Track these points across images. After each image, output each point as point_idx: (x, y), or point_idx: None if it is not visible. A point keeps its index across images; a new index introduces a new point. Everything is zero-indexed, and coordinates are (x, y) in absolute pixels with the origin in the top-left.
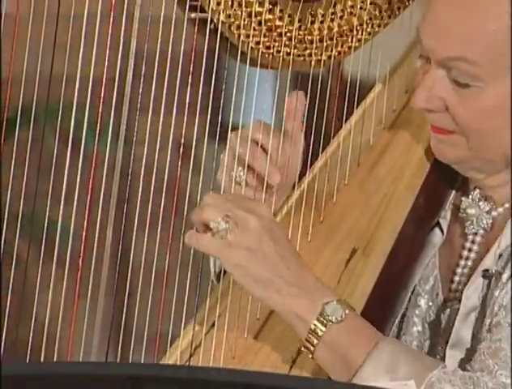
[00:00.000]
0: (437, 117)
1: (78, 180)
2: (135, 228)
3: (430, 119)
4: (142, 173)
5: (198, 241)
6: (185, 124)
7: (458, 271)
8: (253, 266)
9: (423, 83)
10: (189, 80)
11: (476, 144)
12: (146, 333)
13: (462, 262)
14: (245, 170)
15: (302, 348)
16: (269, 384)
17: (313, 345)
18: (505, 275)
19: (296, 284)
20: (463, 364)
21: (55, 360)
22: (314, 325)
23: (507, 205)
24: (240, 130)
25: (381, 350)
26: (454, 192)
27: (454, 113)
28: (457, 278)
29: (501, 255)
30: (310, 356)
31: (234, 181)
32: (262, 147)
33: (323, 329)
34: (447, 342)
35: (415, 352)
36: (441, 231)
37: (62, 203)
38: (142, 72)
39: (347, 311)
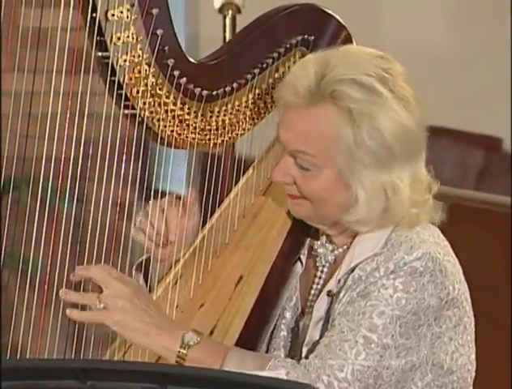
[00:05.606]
0: (289, 187)
1: (44, 228)
2: (85, 262)
3: (286, 189)
4: (90, 224)
5: (80, 315)
6: (120, 189)
7: (312, 292)
8: (127, 320)
9: (279, 164)
10: (124, 158)
11: (317, 207)
12: (93, 337)
13: (314, 286)
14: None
15: None
16: (175, 372)
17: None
18: (342, 294)
19: (159, 326)
20: None
21: (28, 357)
22: (179, 351)
23: (345, 247)
24: (152, 202)
25: (231, 356)
26: (309, 237)
27: (300, 187)
28: (310, 297)
29: (339, 280)
30: None
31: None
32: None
33: (185, 352)
34: (303, 342)
35: (254, 353)
36: (301, 263)
37: (33, 244)
38: (90, 153)
39: (199, 337)
